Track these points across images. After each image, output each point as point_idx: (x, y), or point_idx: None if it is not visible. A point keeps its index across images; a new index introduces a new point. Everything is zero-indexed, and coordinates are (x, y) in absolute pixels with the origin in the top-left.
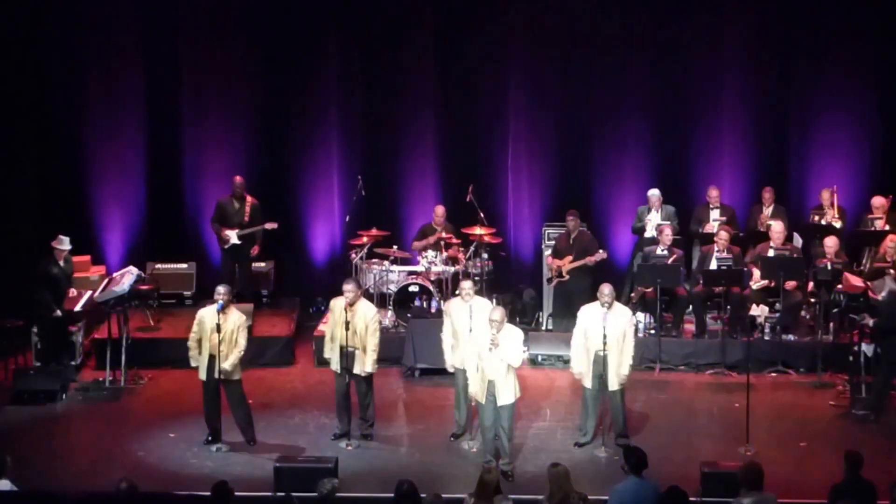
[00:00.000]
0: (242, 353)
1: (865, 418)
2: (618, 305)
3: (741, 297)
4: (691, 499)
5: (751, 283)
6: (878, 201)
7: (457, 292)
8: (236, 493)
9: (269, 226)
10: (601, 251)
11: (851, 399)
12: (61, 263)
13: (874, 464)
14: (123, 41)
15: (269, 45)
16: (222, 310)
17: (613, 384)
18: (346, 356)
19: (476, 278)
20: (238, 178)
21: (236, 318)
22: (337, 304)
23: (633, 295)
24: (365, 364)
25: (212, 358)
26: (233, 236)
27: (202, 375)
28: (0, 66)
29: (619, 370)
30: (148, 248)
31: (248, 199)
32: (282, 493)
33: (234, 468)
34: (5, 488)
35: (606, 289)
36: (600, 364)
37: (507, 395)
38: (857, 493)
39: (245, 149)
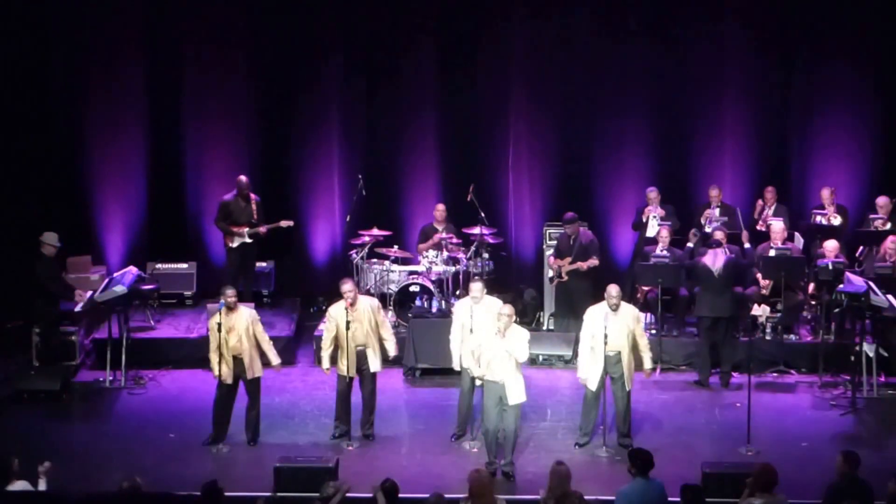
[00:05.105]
0: (270, 343)
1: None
2: (625, 305)
3: (742, 297)
4: None
5: (763, 292)
6: (882, 200)
7: (458, 293)
8: (237, 494)
9: (285, 223)
10: (594, 258)
11: (853, 399)
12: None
13: (873, 463)
14: (124, 40)
15: (271, 45)
16: (230, 309)
17: (627, 384)
18: (356, 356)
19: (481, 280)
20: (243, 178)
21: (248, 315)
22: (337, 309)
23: (638, 297)
24: (389, 350)
25: (233, 359)
26: (244, 234)
27: (227, 379)
28: (0, 65)
29: (630, 367)
30: (148, 248)
31: (252, 196)
32: (282, 494)
33: (234, 468)
34: (26, 488)
35: (614, 290)
36: (607, 364)
37: (516, 394)
38: (854, 493)
39: (246, 148)
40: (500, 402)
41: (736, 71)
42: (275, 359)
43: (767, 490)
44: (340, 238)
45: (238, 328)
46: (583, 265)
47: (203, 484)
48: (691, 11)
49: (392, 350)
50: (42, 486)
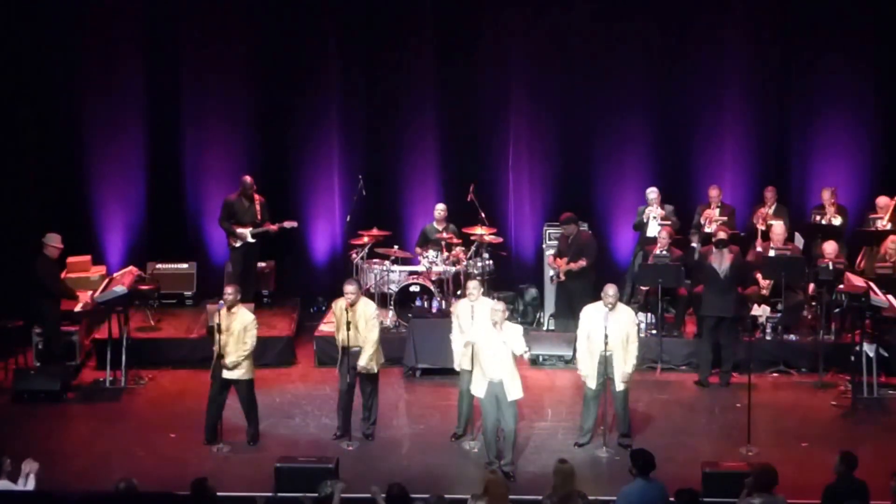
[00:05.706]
0: (248, 351)
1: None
2: (621, 306)
3: (742, 297)
4: None
5: (763, 292)
6: (883, 201)
7: (458, 293)
8: (237, 494)
9: (289, 224)
10: (582, 260)
11: (853, 399)
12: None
13: (874, 462)
14: (124, 41)
15: (270, 45)
16: (230, 309)
17: (620, 385)
18: (351, 356)
19: (478, 278)
20: (248, 178)
21: (245, 317)
22: (338, 305)
23: (638, 297)
24: (360, 358)
25: (220, 357)
26: (247, 234)
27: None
28: (0, 65)
29: (622, 369)
30: (148, 248)
31: (257, 197)
32: (283, 494)
33: (234, 468)
34: (5, 488)
35: (611, 290)
36: (605, 364)
37: (514, 392)
38: (852, 494)
39: (246, 148)
40: (498, 400)
41: (736, 71)
42: (233, 365)
43: (767, 490)
44: (340, 238)
45: (233, 329)
46: (574, 266)
47: (192, 481)
48: (692, 11)
49: (362, 360)
50: (30, 485)
